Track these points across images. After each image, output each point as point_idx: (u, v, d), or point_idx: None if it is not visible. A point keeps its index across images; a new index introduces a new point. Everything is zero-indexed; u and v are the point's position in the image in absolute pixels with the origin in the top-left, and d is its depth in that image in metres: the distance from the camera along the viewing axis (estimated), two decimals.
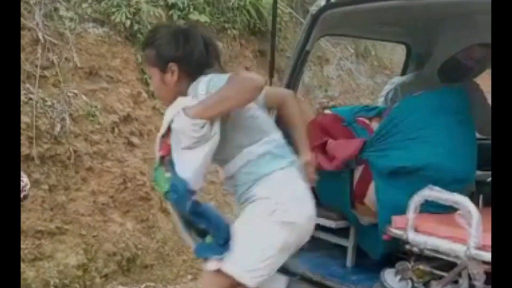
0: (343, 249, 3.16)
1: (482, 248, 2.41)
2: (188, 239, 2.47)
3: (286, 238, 2.36)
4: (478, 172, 3.03)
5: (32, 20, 4.73)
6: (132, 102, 5.30)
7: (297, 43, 3.24)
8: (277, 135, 2.41)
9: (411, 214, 2.65)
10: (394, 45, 8.02)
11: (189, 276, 5.09)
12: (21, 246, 4.12)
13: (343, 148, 2.99)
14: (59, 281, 4.36)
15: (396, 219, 2.74)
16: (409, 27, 3.63)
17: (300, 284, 3.00)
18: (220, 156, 2.34)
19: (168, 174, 2.25)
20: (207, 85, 2.27)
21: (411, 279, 2.68)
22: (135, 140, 5.20)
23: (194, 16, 6.05)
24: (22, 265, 4.11)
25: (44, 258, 4.36)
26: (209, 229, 2.33)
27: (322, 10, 3.10)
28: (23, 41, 4.52)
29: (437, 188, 2.64)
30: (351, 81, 7.64)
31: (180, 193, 2.23)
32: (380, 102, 3.60)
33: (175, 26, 2.41)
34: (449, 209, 2.69)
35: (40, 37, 4.72)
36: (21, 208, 3.52)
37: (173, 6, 5.93)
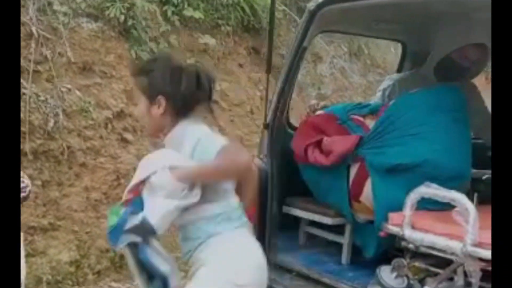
0: (339, 246, 3.17)
1: (478, 245, 2.42)
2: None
3: None
4: (473, 170, 3.05)
5: (26, 15, 4.68)
6: (126, 98, 5.26)
7: (294, 39, 3.23)
8: (234, 199, 2.40)
9: (408, 211, 2.66)
10: (387, 44, 8.07)
11: (182, 273, 5.07)
12: None
13: (340, 143, 2.99)
14: (52, 277, 4.33)
15: (393, 216, 2.75)
16: (405, 25, 3.64)
17: (297, 280, 3.00)
18: None
19: (122, 210, 2.22)
20: (194, 145, 2.24)
21: (406, 276, 2.69)
22: (128, 136, 5.17)
23: (188, 12, 6.04)
24: None
25: (37, 254, 4.33)
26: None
27: (319, 6, 3.10)
28: None
29: (434, 185, 2.65)
30: (344, 79, 7.65)
31: (119, 231, 2.17)
32: (377, 97, 3.60)
33: (175, 60, 2.38)
34: (445, 206, 2.71)
35: (34, 31, 4.68)
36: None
37: (167, 1, 5.92)
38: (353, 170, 3.01)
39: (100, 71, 5.15)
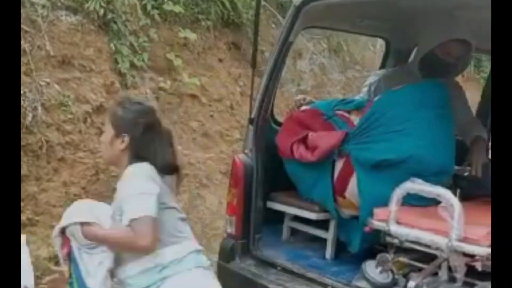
0: (324, 241, 3.18)
1: (464, 240, 2.46)
2: None
3: None
4: (455, 167, 3.09)
5: None
6: (105, 92, 5.21)
7: (280, 35, 3.22)
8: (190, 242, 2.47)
9: (393, 206, 2.69)
10: (365, 41, 8.12)
11: None
12: None
13: (325, 139, 3.00)
14: None
15: (378, 212, 2.78)
16: (389, 22, 3.66)
17: (281, 275, 3.00)
18: None
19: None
20: (121, 199, 2.29)
21: (391, 270, 2.72)
22: None
23: (168, 6, 6.00)
24: None
25: None
26: None
27: (305, 2, 3.09)
28: None
29: (419, 180, 2.68)
30: (323, 75, 7.68)
31: None
32: (363, 92, 3.61)
33: (154, 111, 2.48)
34: (430, 202, 2.74)
35: None
36: None
37: None
38: (338, 166, 3.02)
39: (79, 65, 5.09)
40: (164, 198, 2.31)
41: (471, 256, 2.46)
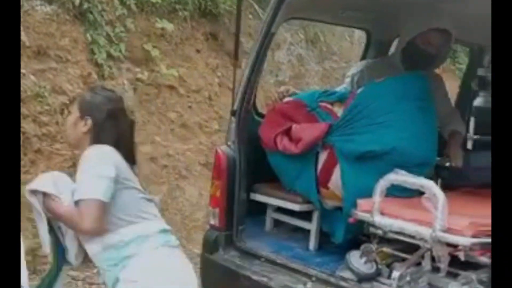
0: (307, 232, 3.19)
1: (447, 230, 2.48)
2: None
3: None
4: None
5: None
6: (82, 83, 5.14)
7: (262, 25, 3.21)
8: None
9: (377, 197, 2.70)
10: (342, 32, 8.14)
11: None
12: None
13: (309, 131, 3.00)
14: None
15: (362, 203, 2.79)
16: (370, 13, 3.67)
17: (265, 266, 3.01)
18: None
19: None
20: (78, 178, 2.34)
21: (375, 261, 2.74)
22: None
23: None
24: None
25: None
26: None
27: None
28: None
29: (403, 172, 2.70)
30: (300, 66, 7.68)
31: None
32: (346, 83, 3.62)
33: (121, 100, 2.54)
34: (413, 194, 2.77)
35: None
36: None
37: None
38: (322, 157, 3.03)
39: (55, 55, 5.01)
40: (124, 178, 2.36)
41: (454, 246, 2.50)
